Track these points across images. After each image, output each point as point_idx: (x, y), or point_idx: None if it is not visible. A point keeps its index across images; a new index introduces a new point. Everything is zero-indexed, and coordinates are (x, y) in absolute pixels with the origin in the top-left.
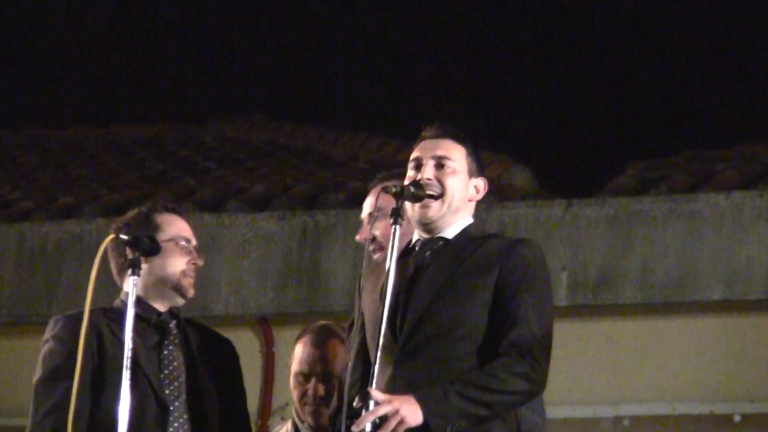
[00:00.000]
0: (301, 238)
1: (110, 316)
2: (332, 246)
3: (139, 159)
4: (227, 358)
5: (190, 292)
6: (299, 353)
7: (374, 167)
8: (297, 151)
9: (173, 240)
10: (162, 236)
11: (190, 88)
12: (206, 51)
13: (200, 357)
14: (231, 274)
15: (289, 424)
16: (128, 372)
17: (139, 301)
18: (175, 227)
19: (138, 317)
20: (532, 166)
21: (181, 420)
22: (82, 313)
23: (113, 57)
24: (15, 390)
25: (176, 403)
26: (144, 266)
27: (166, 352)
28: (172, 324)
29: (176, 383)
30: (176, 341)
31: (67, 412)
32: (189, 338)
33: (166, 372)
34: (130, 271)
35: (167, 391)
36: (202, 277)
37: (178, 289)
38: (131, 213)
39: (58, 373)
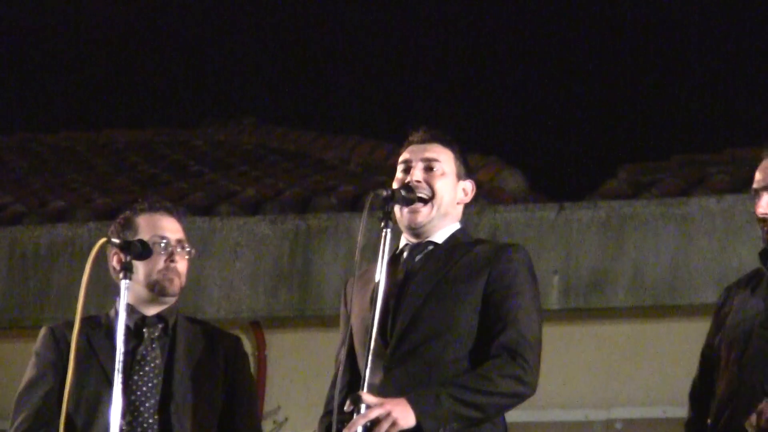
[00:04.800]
0: (293, 242)
1: (91, 325)
2: (324, 250)
3: (130, 163)
4: (229, 356)
5: (171, 291)
6: None
7: (366, 171)
8: (289, 155)
9: (149, 242)
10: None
11: (181, 92)
12: (198, 55)
13: (191, 358)
14: (223, 277)
15: None
16: (120, 375)
17: (128, 308)
18: (151, 228)
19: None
20: (524, 169)
21: (151, 420)
22: (63, 325)
23: (105, 61)
24: (6, 394)
25: (146, 404)
26: None
27: (138, 357)
28: (158, 327)
29: (145, 387)
30: (155, 345)
31: (38, 424)
32: (177, 340)
33: (135, 378)
34: (122, 275)
35: (133, 397)
36: (193, 280)
37: (158, 291)
38: (117, 218)
39: (29, 387)
